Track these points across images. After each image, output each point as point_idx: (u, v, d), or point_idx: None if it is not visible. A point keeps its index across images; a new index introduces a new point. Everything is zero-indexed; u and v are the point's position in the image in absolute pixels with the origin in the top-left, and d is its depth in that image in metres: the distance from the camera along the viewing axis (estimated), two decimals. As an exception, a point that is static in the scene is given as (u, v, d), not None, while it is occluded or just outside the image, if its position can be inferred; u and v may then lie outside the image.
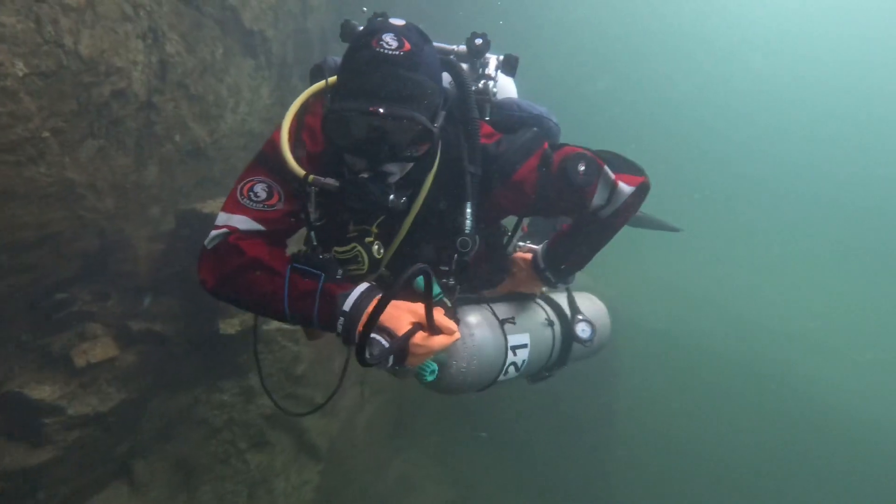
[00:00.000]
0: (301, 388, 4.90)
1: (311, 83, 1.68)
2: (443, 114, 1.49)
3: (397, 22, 1.50)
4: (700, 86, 28.85)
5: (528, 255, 2.09)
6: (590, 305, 2.09)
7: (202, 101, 4.90)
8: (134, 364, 4.20)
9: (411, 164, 1.52)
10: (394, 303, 1.35)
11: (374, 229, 1.64)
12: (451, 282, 1.70)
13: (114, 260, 4.33)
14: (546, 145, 1.74)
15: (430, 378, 1.47)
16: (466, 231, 1.60)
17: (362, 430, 6.10)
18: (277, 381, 4.70)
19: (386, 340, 1.29)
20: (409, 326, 1.33)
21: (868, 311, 26.61)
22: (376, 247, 1.63)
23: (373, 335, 1.28)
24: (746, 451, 11.15)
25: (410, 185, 1.57)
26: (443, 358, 1.53)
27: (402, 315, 1.35)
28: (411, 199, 1.59)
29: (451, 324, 1.41)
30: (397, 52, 1.38)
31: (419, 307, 1.37)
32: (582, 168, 1.67)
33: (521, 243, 2.21)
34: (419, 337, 1.33)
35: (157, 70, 4.26)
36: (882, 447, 12.23)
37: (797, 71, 30.04)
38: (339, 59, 1.64)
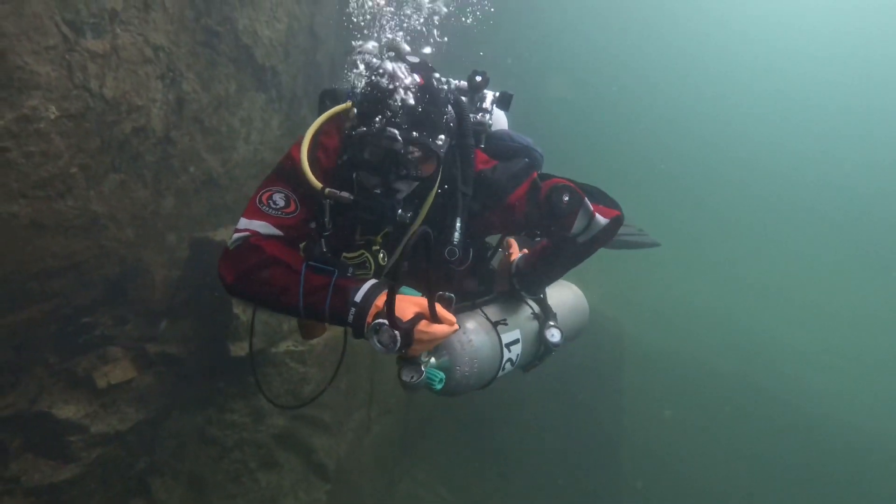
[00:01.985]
0: (308, 409, 5.05)
1: (320, 107, 1.89)
2: (447, 140, 1.71)
3: (412, 58, 1.74)
4: (703, 98, 28.78)
5: (513, 257, 2.29)
6: (564, 298, 2.28)
7: (216, 133, 5.16)
8: (151, 385, 4.41)
9: (417, 183, 1.71)
10: (398, 296, 1.51)
11: (379, 239, 1.85)
12: (448, 294, 1.88)
13: (133, 286, 4.55)
14: (535, 174, 1.96)
15: (439, 387, 1.59)
16: (454, 242, 1.78)
17: (369, 450, 6.21)
18: (285, 401, 4.86)
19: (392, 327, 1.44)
20: (413, 316, 1.47)
21: (869, 324, 26.36)
22: (382, 255, 1.83)
23: (380, 321, 1.41)
24: (752, 467, 11.10)
25: (415, 201, 1.75)
26: (447, 364, 1.66)
27: (406, 306, 1.51)
28: (415, 214, 1.78)
29: (450, 316, 1.55)
30: (411, 85, 1.61)
31: (422, 300, 1.53)
32: (566, 198, 1.88)
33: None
34: (423, 324, 1.47)
35: (174, 106, 4.52)
36: (884, 458, 12.13)
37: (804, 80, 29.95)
38: (347, 88, 1.88)
